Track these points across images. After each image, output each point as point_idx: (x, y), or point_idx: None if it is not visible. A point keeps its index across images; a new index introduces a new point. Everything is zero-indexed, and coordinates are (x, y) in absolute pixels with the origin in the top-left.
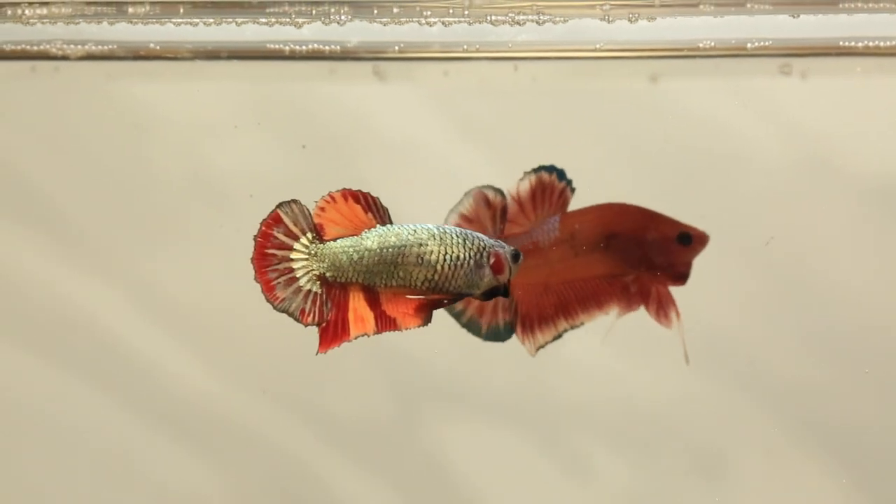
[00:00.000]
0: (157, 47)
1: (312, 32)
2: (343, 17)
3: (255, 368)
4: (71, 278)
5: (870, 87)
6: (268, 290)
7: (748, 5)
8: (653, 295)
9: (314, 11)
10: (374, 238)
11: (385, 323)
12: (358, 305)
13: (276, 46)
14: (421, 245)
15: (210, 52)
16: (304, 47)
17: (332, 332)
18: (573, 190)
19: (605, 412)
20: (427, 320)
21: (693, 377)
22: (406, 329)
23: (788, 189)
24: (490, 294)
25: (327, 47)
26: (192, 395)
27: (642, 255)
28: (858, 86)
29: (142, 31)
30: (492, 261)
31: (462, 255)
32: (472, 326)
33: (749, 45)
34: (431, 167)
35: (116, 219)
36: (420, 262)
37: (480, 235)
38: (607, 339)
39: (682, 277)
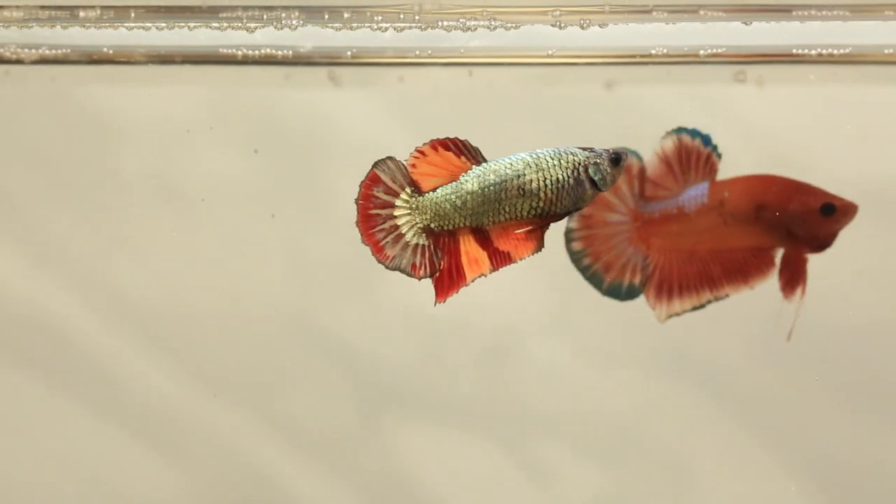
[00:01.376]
0: (111, 51)
1: (266, 37)
2: (295, 22)
3: (216, 372)
4: (26, 279)
5: (823, 94)
6: (377, 251)
7: (701, 12)
8: (790, 265)
9: (265, 16)
10: (473, 180)
11: (499, 258)
12: (469, 248)
13: (230, 51)
14: (520, 176)
15: (164, 56)
16: (257, 52)
17: (448, 280)
18: (719, 156)
19: (571, 418)
20: (540, 246)
21: (659, 383)
22: (521, 259)
23: None
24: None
25: (280, 52)
26: (152, 398)
27: (788, 228)
28: (813, 93)
29: (95, 36)
30: (593, 170)
31: (561, 177)
32: (594, 280)
33: (702, 52)
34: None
35: (70, 221)
36: (522, 193)
37: (574, 150)
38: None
39: (823, 248)
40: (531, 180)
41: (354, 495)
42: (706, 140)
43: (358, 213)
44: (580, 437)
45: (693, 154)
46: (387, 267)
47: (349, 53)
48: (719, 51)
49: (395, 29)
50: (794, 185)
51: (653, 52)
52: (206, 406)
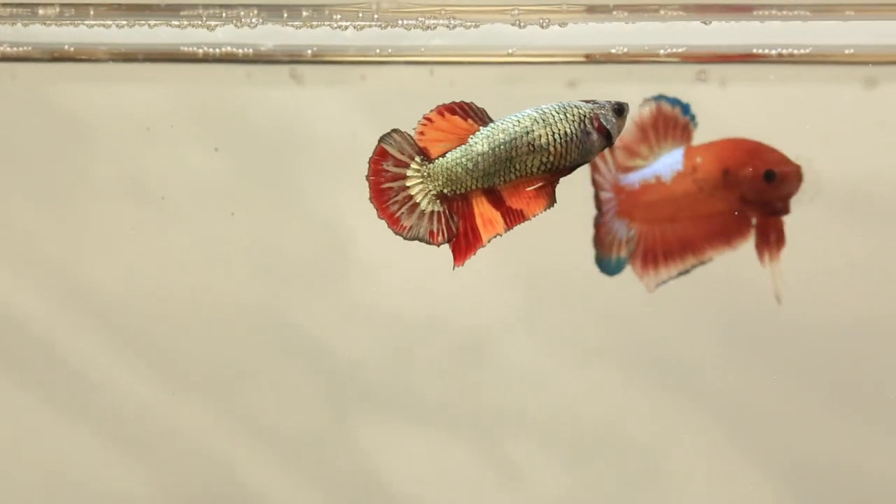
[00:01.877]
0: (72, 49)
1: (227, 35)
2: (254, 21)
3: (185, 370)
4: None
5: (785, 94)
6: (394, 223)
7: (661, 12)
8: (760, 230)
9: (225, 14)
10: (482, 141)
11: (513, 217)
12: (483, 210)
13: (191, 49)
14: (528, 133)
15: (126, 53)
16: (218, 50)
17: (464, 243)
18: (696, 125)
19: (542, 417)
20: (553, 201)
21: (628, 382)
22: (534, 216)
23: None
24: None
25: (241, 50)
26: (120, 396)
27: (742, 193)
28: (774, 93)
29: (56, 33)
30: (596, 125)
31: (569, 130)
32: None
33: (662, 52)
34: (354, 170)
35: (31, 218)
36: (532, 149)
37: (578, 103)
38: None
39: (780, 213)
40: (540, 135)
41: (323, 494)
42: (685, 109)
43: (370, 189)
44: (551, 436)
45: (670, 122)
46: (405, 238)
47: (310, 52)
48: (679, 50)
49: (354, 27)
50: (753, 149)
51: (613, 51)
52: (175, 404)
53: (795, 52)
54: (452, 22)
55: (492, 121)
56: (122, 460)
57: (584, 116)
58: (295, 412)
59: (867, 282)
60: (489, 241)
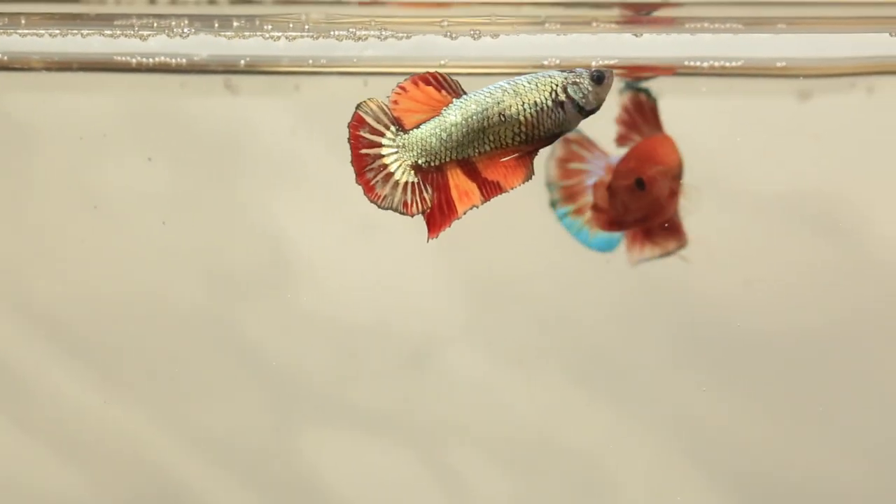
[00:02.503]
0: (5, 58)
1: (160, 45)
2: (186, 31)
3: (127, 378)
4: None
5: (716, 107)
6: (369, 191)
7: (593, 24)
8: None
9: (156, 24)
10: (455, 112)
11: (490, 189)
12: (459, 181)
13: (124, 59)
14: (499, 103)
15: (60, 63)
16: (151, 60)
17: (439, 214)
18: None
19: (483, 425)
20: (530, 173)
21: (571, 390)
22: (512, 188)
23: None
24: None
25: (174, 60)
26: (61, 404)
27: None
28: (705, 105)
29: None
30: (563, 97)
31: (539, 99)
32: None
33: (593, 64)
34: (291, 178)
35: None
36: (503, 119)
37: (553, 73)
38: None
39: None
40: (510, 105)
41: (263, 502)
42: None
43: (351, 153)
44: (492, 444)
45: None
46: (379, 206)
47: (243, 62)
48: (611, 62)
49: (287, 38)
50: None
51: (545, 62)
52: (113, 411)
53: (727, 64)
54: (384, 33)
55: (465, 93)
56: (59, 466)
57: (557, 85)
58: (235, 420)
59: (804, 291)
60: (465, 213)
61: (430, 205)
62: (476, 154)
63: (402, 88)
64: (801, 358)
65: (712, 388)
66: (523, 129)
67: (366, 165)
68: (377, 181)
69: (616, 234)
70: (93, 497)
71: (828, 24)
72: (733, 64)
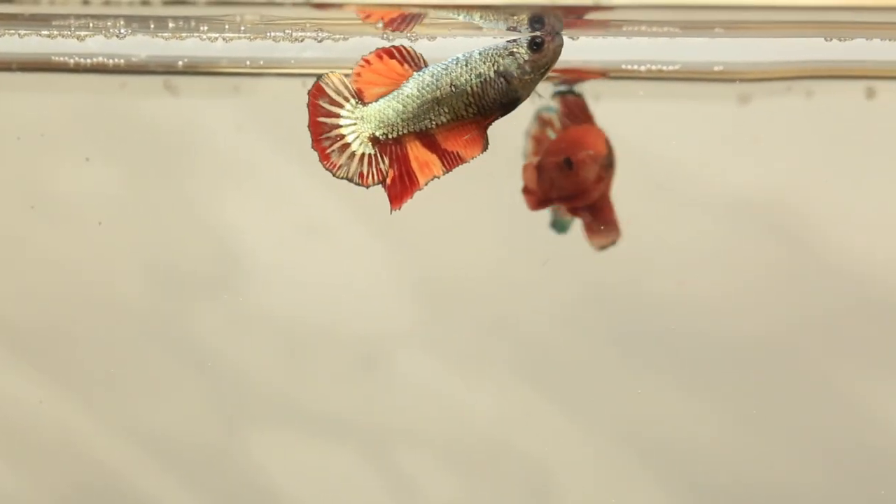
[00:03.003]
0: None
1: (99, 46)
2: (122, 31)
3: (76, 379)
4: None
5: (654, 110)
6: (324, 158)
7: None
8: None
9: (92, 25)
10: (411, 84)
11: (450, 160)
12: (418, 153)
13: (62, 59)
14: (448, 73)
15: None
16: (89, 60)
17: (401, 186)
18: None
19: (433, 428)
20: (486, 145)
21: (521, 393)
22: (471, 159)
23: None
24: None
25: (112, 61)
26: (7, 406)
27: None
28: (642, 109)
29: None
30: (506, 69)
31: (483, 70)
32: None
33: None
34: (232, 179)
35: None
36: (454, 89)
37: (498, 44)
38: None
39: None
40: (459, 75)
41: (211, 502)
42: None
43: (308, 118)
44: (442, 447)
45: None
46: (334, 175)
47: (181, 63)
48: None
49: (224, 39)
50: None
51: None
52: (58, 411)
53: (665, 68)
54: (321, 35)
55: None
56: (9, 471)
57: (498, 56)
58: (180, 420)
59: (746, 294)
60: (426, 184)
61: (385, 177)
62: (434, 126)
63: (367, 61)
64: (746, 360)
65: (658, 390)
66: (473, 99)
67: (322, 133)
68: (333, 150)
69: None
70: (33, 494)
71: (764, 28)
72: (670, 68)
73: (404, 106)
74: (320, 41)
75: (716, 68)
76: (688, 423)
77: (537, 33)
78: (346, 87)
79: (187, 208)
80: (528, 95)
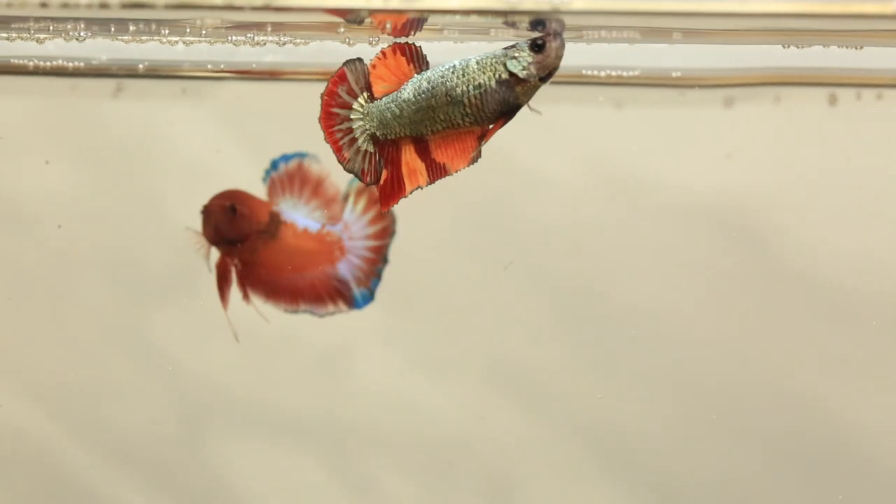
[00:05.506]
0: None
1: (58, 49)
2: (82, 34)
3: (34, 380)
4: None
5: (613, 116)
6: (337, 150)
7: (491, 32)
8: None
9: (52, 27)
10: (409, 88)
11: (436, 170)
12: (409, 159)
13: (20, 62)
14: (445, 82)
15: None
16: (49, 63)
17: (390, 189)
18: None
19: (395, 433)
20: (477, 156)
21: (484, 399)
22: (456, 171)
23: (567, 211)
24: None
25: (72, 63)
26: None
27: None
28: (602, 115)
29: None
30: (506, 77)
31: (482, 80)
32: None
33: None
34: (196, 182)
35: None
36: (451, 99)
37: (497, 52)
38: None
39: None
40: (456, 86)
41: None
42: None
43: (321, 109)
44: (405, 452)
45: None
46: (344, 168)
47: (141, 67)
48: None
49: (184, 43)
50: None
51: None
52: (17, 415)
53: (624, 73)
54: (282, 38)
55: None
56: None
57: (497, 63)
58: (143, 424)
59: (711, 296)
60: (412, 193)
61: (379, 178)
62: (429, 133)
63: (383, 54)
64: (707, 362)
65: (618, 392)
66: (470, 110)
67: (335, 125)
68: (345, 143)
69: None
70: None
71: (723, 35)
72: (630, 74)
73: (400, 110)
74: (282, 45)
75: (674, 74)
76: (650, 426)
77: (538, 35)
78: (365, 79)
79: (149, 212)
80: (528, 101)
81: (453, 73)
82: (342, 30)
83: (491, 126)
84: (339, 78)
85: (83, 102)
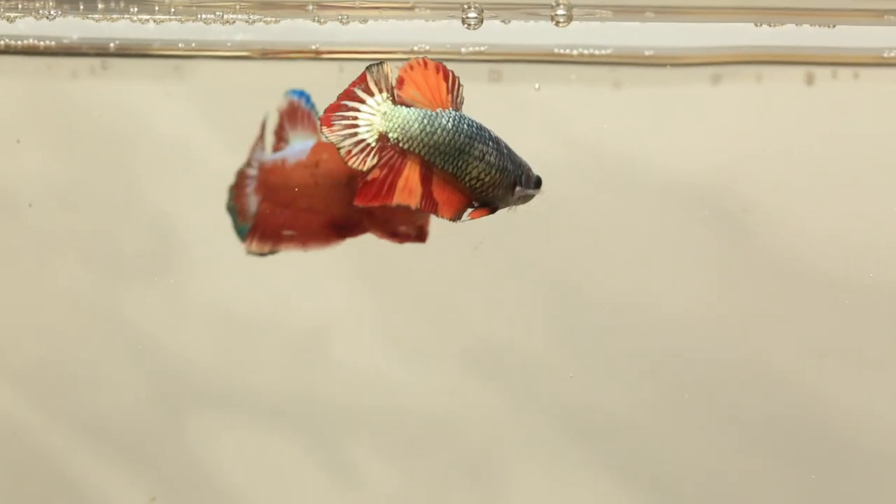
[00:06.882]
0: None
1: (29, 27)
2: (52, 13)
3: (13, 362)
4: None
5: (585, 94)
6: (325, 121)
7: (463, 10)
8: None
9: (21, 6)
10: (449, 119)
11: (428, 203)
12: (411, 176)
13: None
14: (485, 143)
15: None
16: (20, 42)
17: (377, 189)
18: (318, 115)
19: (374, 415)
20: (458, 217)
21: (464, 380)
22: (441, 217)
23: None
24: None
25: (43, 42)
26: None
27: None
28: (574, 92)
29: None
30: (523, 182)
31: (509, 168)
32: (234, 225)
33: (463, 50)
34: (172, 163)
35: None
36: (481, 158)
37: (524, 161)
38: None
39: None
40: (491, 153)
41: (153, 492)
42: (307, 100)
43: (338, 97)
44: (384, 433)
45: (298, 112)
46: (326, 137)
47: (112, 45)
48: (481, 49)
49: (154, 21)
50: None
51: (415, 48)
52: (2, 397)
53: (596, 52)
54: (251, 17)
55: (458, 111)
56: None
57: (520, 166)
58: (121, 406)
59: (691, 277)
60: (396, 205)
61: (366, 171)
62: (439, 166)
63: (424, 63)
64: (687, 344)
65: (599, 373)
66: (485, 178)
67: (337, 110)
68: (339, 122)
69: (246, 227)
70: None
71: (695, 13)
72: (602, 52)
73: (433, 131)
74: (252, 24)
75: (646, 53)
76: (628, 406)
77: (537, 176)
78: (387, 79)
79: (121, 191)
80: (502, 207)
81: (492, 140)
82: (311, 7)
83: (476, 206)
84: (359, 80)
85: (55, 81)
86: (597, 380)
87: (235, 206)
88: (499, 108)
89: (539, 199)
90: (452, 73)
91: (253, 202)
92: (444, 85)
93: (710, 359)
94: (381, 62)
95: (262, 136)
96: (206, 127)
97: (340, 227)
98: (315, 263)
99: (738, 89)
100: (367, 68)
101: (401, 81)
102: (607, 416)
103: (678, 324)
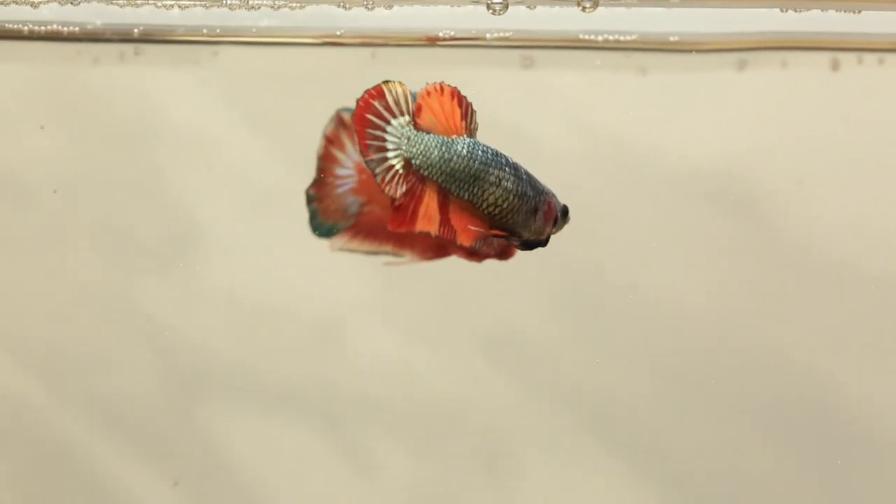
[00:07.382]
0: None
1: (53, 13)
2: None
3: (29, 349)
4: None
5: (611, 80)
6: (362, 143)
7: None
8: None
9: None
10: (465, 146)
11: (447, 230)
12: (431, 203)
13: (16, 26)
14: (501, 169)
15: None
16: (44, 28)
17: (403, 216)
18: None
19: (390, 403)
20: (475, 246)
21: (479, 368)
22: (458, 244)
23: (560, 177)
24: (530, 245)
25: (67, 28)
26: None
27: None
28: (601, 78)
29: None
30: (545, 208)
31: (528, 194)
32: (313, 223)
33: (488, 36)
34: (193, 150)
35: None
36: (497, 184)
37: (546, 189)
38: None
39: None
40: (508, 179)
41: (169, 477)
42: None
43: (356, 111)
44: (400, 421)
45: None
46: (365, 161)
47: (136, 31)
48: (507, 35)
49: (179, 7)
50: None
51: (440, 34)
52: (15, 385)
53: (621, 38)
54: (277, 3)
55: (472, 137)
56: None
57: (541, 194)
58: (137, 394)
59: (706, 263)
60: (420, 233)
61: (398, 198)
62: (456, 193)
63: (441, 89)
64: (698, 330)
65: (611, 360)
66: (503, 204)
67: (367, 127)
68: (372, 145)
69: (340, 226)
70: None
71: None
72: (627, 38)
73: (450, 158)
74: (277, 9)
75: (672, 38)
76: (644, 393)
77: (563, 205)
78: (406, 101)
79: (142, 177)
80: (526, 236)
81: (509, 165)
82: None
83: (493, 230)
84: (376, 93)
85: (79, 67)
86: (613, 368)
87: (318, 206)
88: (518, 95)
89: (558, 186)
90: (466, 98)
91: (351, 202)
92: (458, 111)
93: (729, 348)
94: (398, 81)
95: (337, 136)
96: (230, 114)
97: (439, 246)
98: (330, 252)
99: (763, 75)
100: (385, 83)
101: (419, 108)
102: (623, 404)
103: (698, 313)
